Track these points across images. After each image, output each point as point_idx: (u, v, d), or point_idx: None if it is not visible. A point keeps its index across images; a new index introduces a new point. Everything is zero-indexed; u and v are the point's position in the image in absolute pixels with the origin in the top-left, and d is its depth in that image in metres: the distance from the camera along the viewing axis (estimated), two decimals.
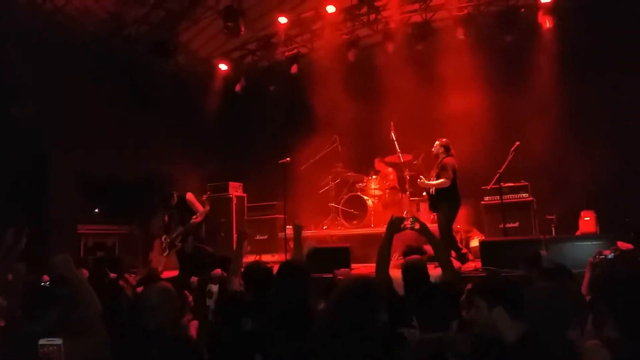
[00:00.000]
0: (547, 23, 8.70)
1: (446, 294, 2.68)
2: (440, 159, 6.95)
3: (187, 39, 10.73)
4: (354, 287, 2.49)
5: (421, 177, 7.30)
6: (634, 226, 6.68)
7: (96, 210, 10.01)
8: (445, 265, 3.97)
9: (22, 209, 8.02)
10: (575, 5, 8.63)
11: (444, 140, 7.01)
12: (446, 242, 6.66)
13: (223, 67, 11.21)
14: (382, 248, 3.92)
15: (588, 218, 8.12)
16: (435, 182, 6.97)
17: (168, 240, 7.44)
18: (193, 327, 3.69)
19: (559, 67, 8.67)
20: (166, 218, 7.61)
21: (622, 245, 6.11)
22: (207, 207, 7.63)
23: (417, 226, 3.84)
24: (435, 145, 7.08)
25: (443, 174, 6.80)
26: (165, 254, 7.55)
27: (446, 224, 6.80)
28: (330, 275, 4.56)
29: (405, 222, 4.52)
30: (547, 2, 8.68)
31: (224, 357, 3.15)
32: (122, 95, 9.62)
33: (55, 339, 2.39)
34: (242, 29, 9.47)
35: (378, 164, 9.48)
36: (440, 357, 2.37)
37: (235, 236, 9.64)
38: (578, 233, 8.06)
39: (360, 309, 2.28)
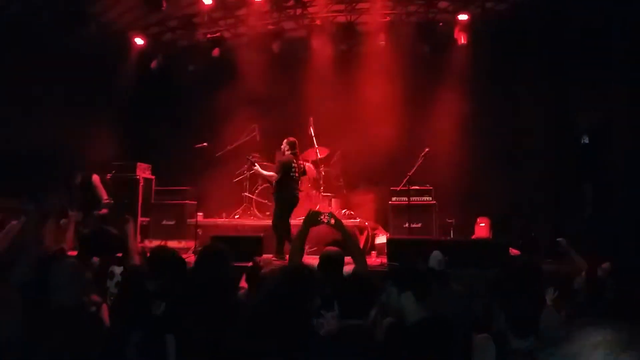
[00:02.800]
0: (462, 39, 9.28)
1: (365, 283, 2.80)
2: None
3: (102, 8, 9.97)
4: (290, 272, 2.59)
5: (256, 164, 7.72)
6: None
7: None
8: (359, 259, 4.14)
9: None
10: (489, 27, 9.29)
11: (291, 138, 7.32)
12: (277, 233, 7.03)
13: (139, 41, 10.60)
14: (297, 239, 4.05)
15: (483, 224, 8.85)
16: (265, 173, 7.49)
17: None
18: (105, 310, 3.50)
19: (469, 83, 9.28)
20: (66, 198, 7.25)
21: (512, 251, 6.86)
22: (111, 200, 7.52)
23: (332, 221, 3.98)
24: (283, 142, 7.37)
25: (274, 169, 7.28)
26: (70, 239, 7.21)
27: (278, 216, 7.15)
28: (250, 264, 4.53)
29: (322, 217, 4.63)
30: (463, 20, 9.27)
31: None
32: (23, 62, 8.72)
33: None
34: (164, 4, 9.06)
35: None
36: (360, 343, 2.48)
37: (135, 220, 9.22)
38: (473, 237, 8.75)
39: (297, 294, 2.38)
